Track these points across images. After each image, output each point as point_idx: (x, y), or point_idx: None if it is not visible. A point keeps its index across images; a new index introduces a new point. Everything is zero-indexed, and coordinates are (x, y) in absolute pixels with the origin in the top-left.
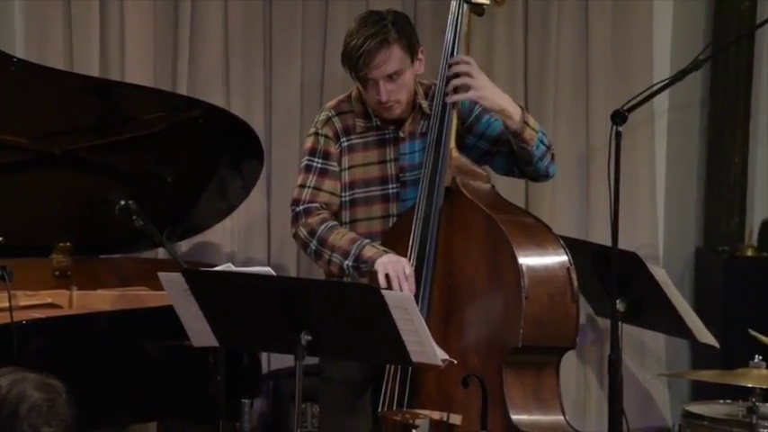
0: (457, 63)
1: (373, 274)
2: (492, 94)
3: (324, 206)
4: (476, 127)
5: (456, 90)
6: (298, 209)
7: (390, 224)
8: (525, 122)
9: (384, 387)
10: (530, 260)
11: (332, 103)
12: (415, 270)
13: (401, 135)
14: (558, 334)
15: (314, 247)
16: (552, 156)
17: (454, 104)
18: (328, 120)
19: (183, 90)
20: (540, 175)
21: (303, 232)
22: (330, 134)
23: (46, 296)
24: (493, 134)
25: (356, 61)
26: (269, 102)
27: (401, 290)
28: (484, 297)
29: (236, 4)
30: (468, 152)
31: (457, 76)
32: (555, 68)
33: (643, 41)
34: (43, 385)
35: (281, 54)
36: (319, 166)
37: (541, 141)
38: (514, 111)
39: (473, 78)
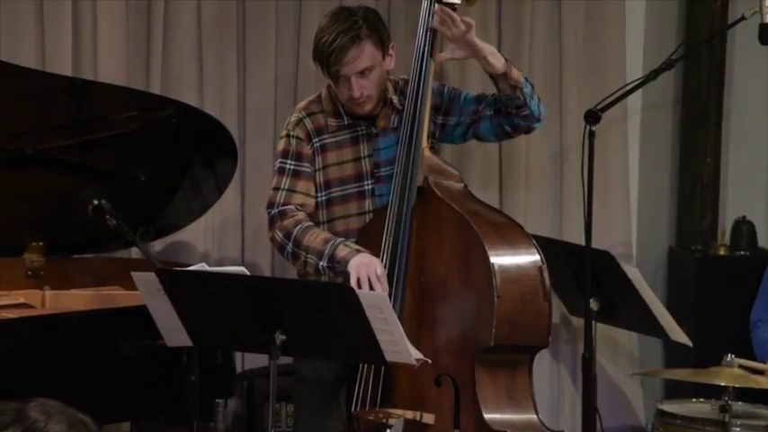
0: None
1: (347, 275)
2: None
3: (299, 207)
4: (454, 106)
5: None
6: (273, 212)
7: (367, 220)
8: (507, 61)
9: (357, 387)
10: (501, 259)
11: (302, 104)
12: (388, 270)
13: (374, 131)
14: (531, 333)
15: (290, 250)
16: (538, 97)
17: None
18: (299, 121)
19: (156, 89)
20: (533, 119)
21: (279, 235)
22: (302, 135)
23: (18, 296)
24: (471, 105)
25: (328, 57)
26: (242, 100)
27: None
28: (456, 296)
29: (210, 3)
30: (453, 133)
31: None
32: (528, 68)
33: (616, 41)
34: (78, 423)
35: (254, 53)
36: (292, 167)
37: (526, 79)
38: (496, 51)
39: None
